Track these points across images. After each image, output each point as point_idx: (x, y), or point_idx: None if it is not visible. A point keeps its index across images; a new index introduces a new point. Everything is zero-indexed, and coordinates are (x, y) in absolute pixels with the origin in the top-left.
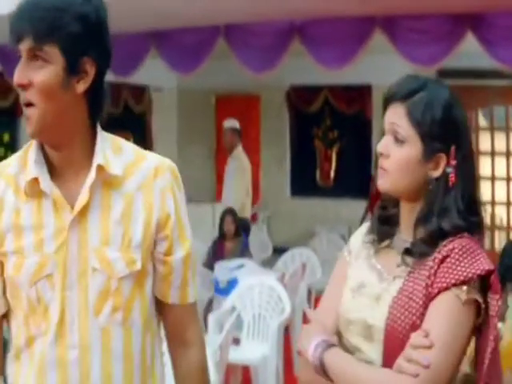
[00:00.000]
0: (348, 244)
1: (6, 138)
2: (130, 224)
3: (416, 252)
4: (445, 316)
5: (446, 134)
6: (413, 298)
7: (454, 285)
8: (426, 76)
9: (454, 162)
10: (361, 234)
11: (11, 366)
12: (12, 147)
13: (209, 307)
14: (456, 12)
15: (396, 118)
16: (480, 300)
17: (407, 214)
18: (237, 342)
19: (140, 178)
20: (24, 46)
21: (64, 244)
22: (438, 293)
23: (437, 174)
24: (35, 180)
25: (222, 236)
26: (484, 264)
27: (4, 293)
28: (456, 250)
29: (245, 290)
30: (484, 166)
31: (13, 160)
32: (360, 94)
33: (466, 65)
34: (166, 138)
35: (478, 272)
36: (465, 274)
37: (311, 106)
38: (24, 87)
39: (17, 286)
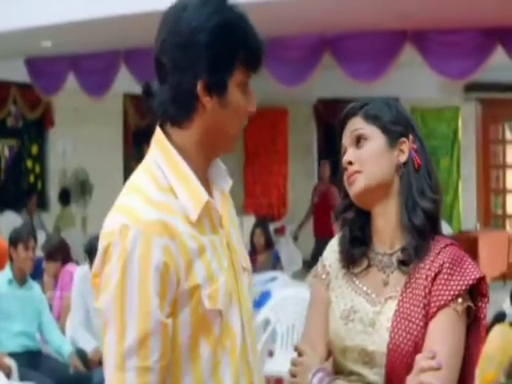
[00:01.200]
0: (322, 262)
1: (35, 150)
2: (234, 218)
3: (410, 253)
4: (448, 333)
5: (402, 119)
6: (412, 320)
7: (451, 300)
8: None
9: (415, 146)
10: (333, 251)
11: None
12: (40, 159)
13: None
14: (486, 26)
15: (355, 125)
16: (471, 304)
17: (382, 219)
18: (271, 353)
19: (223, 169)
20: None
21: (229, 255)
22: (437, 311)
23: (404, 158)
24: (207, 202)
25: (253, 249)
26: (474, 272)
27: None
28: (446, 265)
29: (279, 302)
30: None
31: (152, 192)
32: None
33: (493, 78)
34: None
35: (470, 282)
36: (459, 287)
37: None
38: None
39: (210, 317)
